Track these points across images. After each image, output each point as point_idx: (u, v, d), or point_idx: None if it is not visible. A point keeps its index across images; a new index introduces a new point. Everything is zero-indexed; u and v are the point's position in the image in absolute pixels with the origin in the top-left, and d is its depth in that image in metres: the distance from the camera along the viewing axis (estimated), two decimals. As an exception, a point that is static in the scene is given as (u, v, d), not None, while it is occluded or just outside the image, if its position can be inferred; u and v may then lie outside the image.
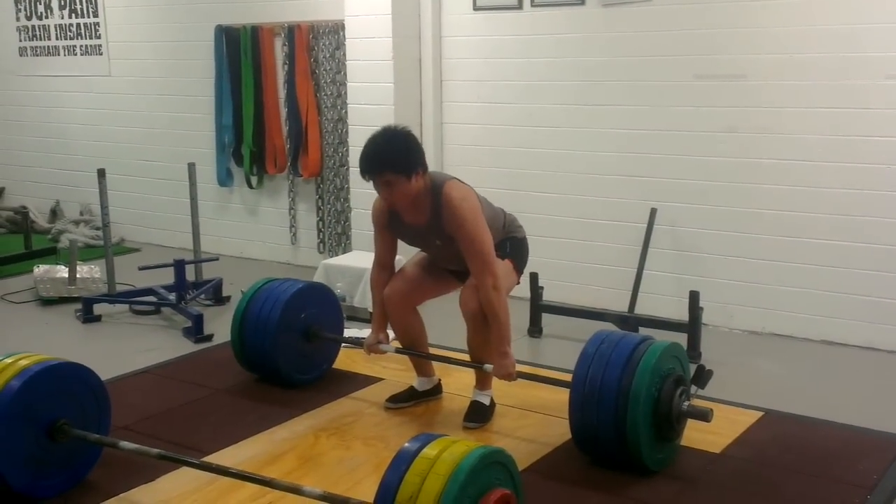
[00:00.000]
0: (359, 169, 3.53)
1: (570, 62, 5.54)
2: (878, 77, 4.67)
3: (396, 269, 3.92)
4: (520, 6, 5.62)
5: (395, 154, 3.48)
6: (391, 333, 3.99)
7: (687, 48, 5.15)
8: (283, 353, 4.13)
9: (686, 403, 3.34)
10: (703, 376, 3.38)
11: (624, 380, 3.24)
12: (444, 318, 4.33)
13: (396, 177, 3.46)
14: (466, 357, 3.86)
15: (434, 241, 3.70)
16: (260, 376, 4.29)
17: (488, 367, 3.67)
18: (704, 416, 3.32)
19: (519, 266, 3.87)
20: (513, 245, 3.83)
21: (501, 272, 3.61)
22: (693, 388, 3.41)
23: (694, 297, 4.72)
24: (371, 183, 3.55)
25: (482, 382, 3.86)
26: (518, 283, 3.91)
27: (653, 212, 5.25)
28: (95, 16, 7.65)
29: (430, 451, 2.48)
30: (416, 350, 3.98)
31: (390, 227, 3.76)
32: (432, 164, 3.64)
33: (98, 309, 5.58)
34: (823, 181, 4.89)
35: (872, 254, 4.81)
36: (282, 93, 6.63)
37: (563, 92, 5.58)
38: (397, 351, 3.98)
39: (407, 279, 3.87)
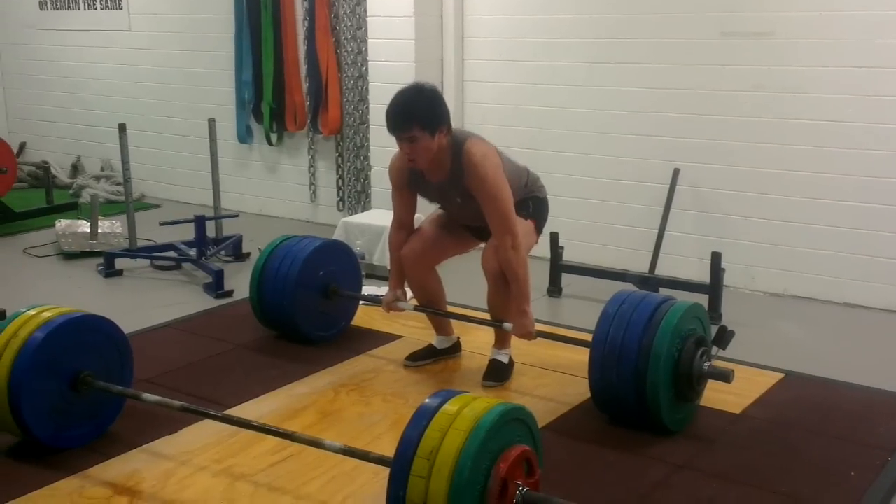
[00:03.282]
0: (385, 124, 3.50)
1: (593, 19, 5.45)
2: (909, 36, 4.59)
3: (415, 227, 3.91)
4: (543, -39, 5.54)
5: (423, 110, 3.45)
6: (409, 291, 3.99)
7: (713, 5, 5.05)
8: (301, 310, 4.14)
9: (707, 364, 3.32)
10: (724, 337, 3.37)
11: (645, 340, 3.23)
12: (463, 278, 4.33)
13: (422, 133, 3.43)
14: (486, 316, 3.86)
15: (455, 199, 3.68)
16: (279, 333, 4.31)
17: (508, 325, 3.67)
18: (725, 377, 3.30)
19: (539, 226, 3.86)
20: (535, 205, 3.81)
21: (521, 231, 3.60)
22: (714, 350, 3.40)
23: (716, 258, 4.68)
24: (394, 138, 3.52)
25: (501, 341, 3.86)
26: (537, 242, 3.89)
27: (675, 172, 5.20)
28: (115, -31, 7.63)
29: (450, 406, 2.48)
30: (437, 309, 3.97)
31: (410, 184, 3.74)
32: (453, 123, 3.61)
33: (119, 263, 5.61)
34: (849, 142, 4.81)
35: (898, 216, 4.76)
36: (302, 49, 6.58)
37: (586, 49, 5.51)
38: (415, 309, 3.98)
39: (424, 239, 3.85)
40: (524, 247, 3.62)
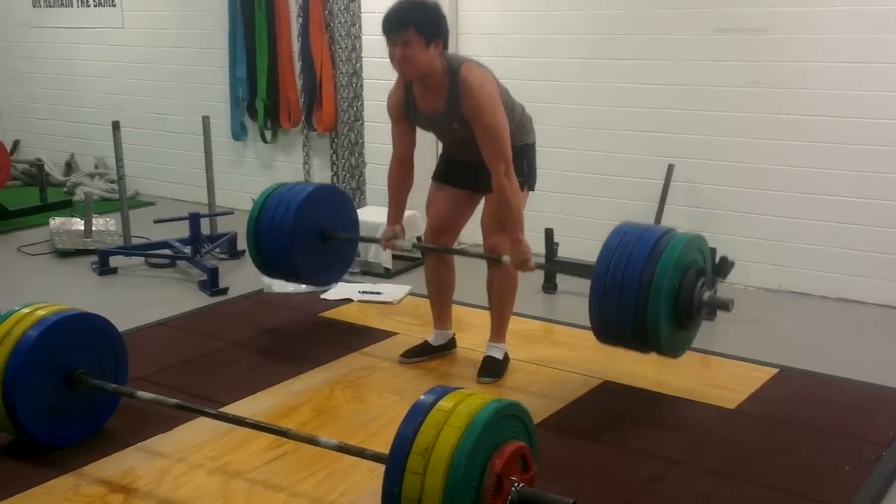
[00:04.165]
0: (381, 26, 3.47)
1: (587, 15, 5.45)
2: (903, 31, 4.59)
3: (410, 208, 3.93)
4: (538, -43, 5.54)
5: (423, 14, 3.44)
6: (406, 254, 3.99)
7: (707, 1, 5.05)
8: (300, 256, 4.15)
9: (707, 294, 3.33)
10: (725, 267, 3.37)
11: (646, 273, 3.22)
12: (460, 275, 4.32)
13: (418, 38, 3.40)
14: (485, 312, 3.88)
15: (451, 125, 3.64)
16: (281, 279, 4.36)
17: (506, 258, 3.65)
18: (725, 305, 3.35)
19: (532, 184, 3.84)
20: (528, 161, 3.78)
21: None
22: (715, 283, 3.41)
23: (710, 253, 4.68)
24: (388, 46, 3.48)
25: (496, 334, 3.86)
26: (532, 189, 3.87)
27: (670, 168, 5.20)
28: (108, -33, 7.60)
29: (445, 403, 2.47)
30: (444, 299, 3.99)
31: (407, 115, 3.73)
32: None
33: (114, 261, 5.59)
34: (843, 137, 4.82)
35: (892, 211, 4.75)
36: (296, 46, 6.57)
37: (580, 45, 5.50)
38: (414, 247, 4.00)
39: (440, 215, 3.87)
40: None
